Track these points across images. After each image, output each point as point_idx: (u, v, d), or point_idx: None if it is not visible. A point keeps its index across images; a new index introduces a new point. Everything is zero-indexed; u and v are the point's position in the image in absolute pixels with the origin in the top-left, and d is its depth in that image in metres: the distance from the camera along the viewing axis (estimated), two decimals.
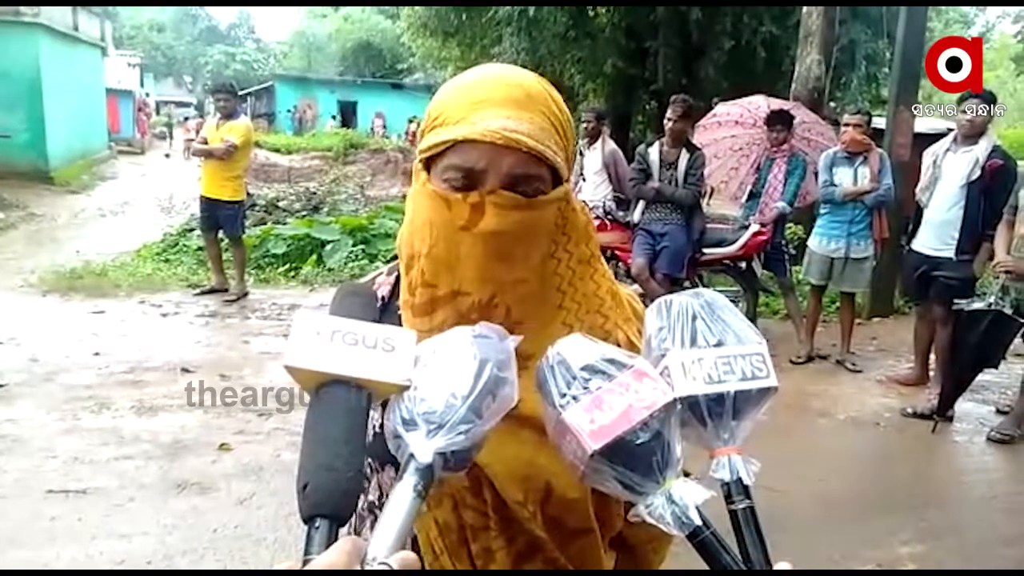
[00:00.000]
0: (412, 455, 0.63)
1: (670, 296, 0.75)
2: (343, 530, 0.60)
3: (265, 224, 8.80)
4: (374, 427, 0.85)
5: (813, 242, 5.43)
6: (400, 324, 0.86)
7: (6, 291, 6.59)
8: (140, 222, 10.84)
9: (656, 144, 5.46)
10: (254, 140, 7.33)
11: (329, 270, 7.67)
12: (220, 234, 6.67)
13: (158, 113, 36.35)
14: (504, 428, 0.80)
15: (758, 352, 0.71)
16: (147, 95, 35.51)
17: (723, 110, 6.85)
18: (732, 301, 0.77)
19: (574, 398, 0.66)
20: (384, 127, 26.81)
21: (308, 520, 0.60)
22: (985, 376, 4.53)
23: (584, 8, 12.74)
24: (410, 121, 27.26)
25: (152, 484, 3.30)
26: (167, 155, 23.91)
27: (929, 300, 4.76)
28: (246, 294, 6.66)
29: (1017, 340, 4.19)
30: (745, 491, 0.67)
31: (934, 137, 5.42)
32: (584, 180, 6.06)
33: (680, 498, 0.64)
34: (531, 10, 12.27)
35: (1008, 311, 3.91)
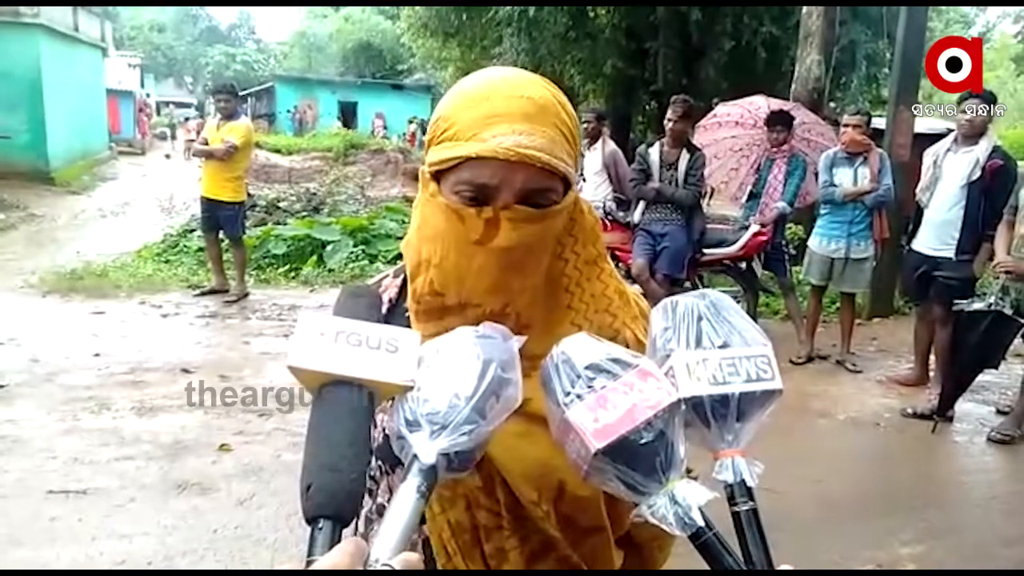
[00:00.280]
0: (415, 456, 0.63)
1: (676, 297, 0.75)
2: (347, 531, 0.61)
3: (265, 225, 8.79)
4: (383, 429, 0.85)
5: (813, 242, 5.43)
6: (409, 326, 0.86)
7: (6, 292, 6.59)
8: (140, 223, 10.83)
9: (656, 144, 5.46)
10: (254, 141, 7.33)
11: (329, 271, 7.68)
12: (220, 235, 6.67)
13: (158, 114, 36.37)
14: (517, 428, 0.80)
15: (763, 354, 0.71)
16: (147, 96, 35.51)
17: (723, 111, 6.86)
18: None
19: (578, 397, 0.66)
20: (384, 127, 26.81)
21: (311, 521, 0.60)
22: (985, 376, 4.53)
23: (584, 9, 12.75)
24: (410, 122, 27.27)
25: (152, 484, 3.30)
26: (167, 156, 23.91)
27: (929, 300, 4.76)
28: (246, 295, 6.65)
29: (1017, 340, 4.19)
30: (748, 493, 0.67)
31: (934, 137, 5.42)
32: (584, 180, 6.06)
33: (683, 499, 0.64)
34: (531, 10, 12.28)
35: (1008, 311, 3.90)
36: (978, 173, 4.44)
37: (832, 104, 10.86)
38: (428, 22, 15.16)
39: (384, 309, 0.94)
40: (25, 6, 13.54)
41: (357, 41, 37.82)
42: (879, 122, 6.65)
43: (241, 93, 8.91)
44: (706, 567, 0.65)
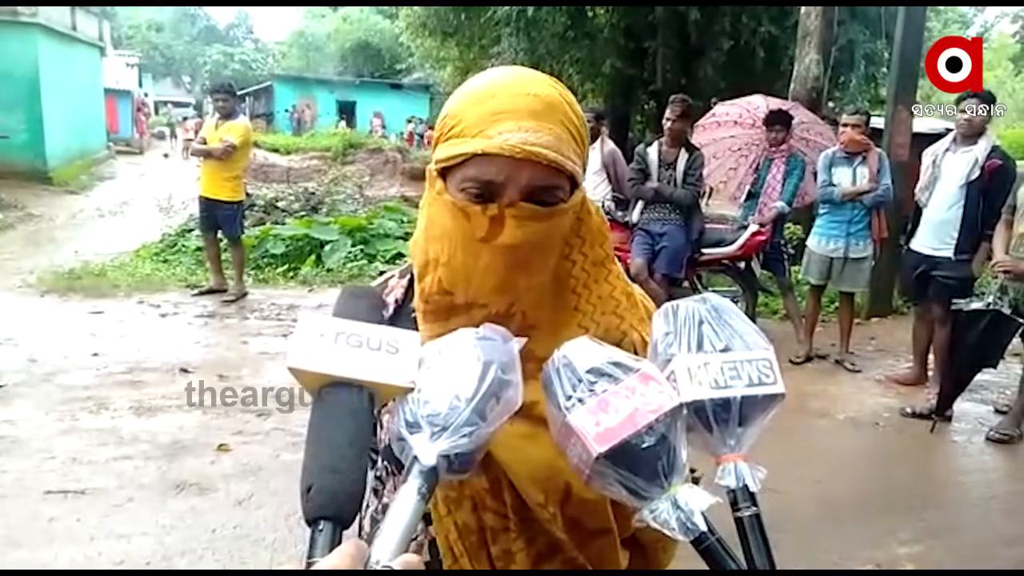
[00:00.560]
0: (416, 457, 0.63)
1: (677, 301, 0.75)
2: (352, 530, 0.60)
3: (264, 224, 8.78)
4: (389, 432, 0.85)
5: (812, 242, 5.43)
6: (415, 327, 0.86)
7: (4, 291, 6.58)
8: (139, 222, 10.83)
9: (655, 144, 5.46)
10: (253, 140, 7.33)
11: (328, 270, 7.67)
12: (219, 234, 6.66)
13: (156, 113, 36.33)
14: (523, 430, 0.80)
15: (765, 358, 0.70)
16: (145, 95, 35.50)
17: (722, 110, 6.86)
18: (731, 301, 0.77)
19: (579, 401, 0.66)
20: (383, 127, 26.82)
21: (312, 523, 0.60)
22: (984, 376, 4.53)
23: (583, 8, 12.74)
24: (408, 121, 27.27)
25: (151, 484, 3.30)
26: (166, 155, 23.90)
27: (928, 300, 4.77)
28: (245, 294, 6.65)
29: (1016, 340, 4.19)
30: (751, 498, 0.66)
31: (932, 137, 5.43)
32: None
33: (685, 504, 0.64)
34: (530, 10, 12.28)
35: (1006, 311, 3.91)
36: (977, 173, 4.44)
37: (831, 104, 10.87)
38: (426, 21, 15.16)
39: (391, 310, 0.94)
40: (23, 6, 13.52)
41: (355, 40, 37.79)
42: (878, 122, 6.65)
43: (239, 92, 8.89)
44: (706, 570, 0.65)
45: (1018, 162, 4.85)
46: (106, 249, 8.57)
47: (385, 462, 0.90)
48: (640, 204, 5.51)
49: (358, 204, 10.73)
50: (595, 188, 6.04)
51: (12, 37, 13.45)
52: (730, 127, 6.60)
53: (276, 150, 17.89)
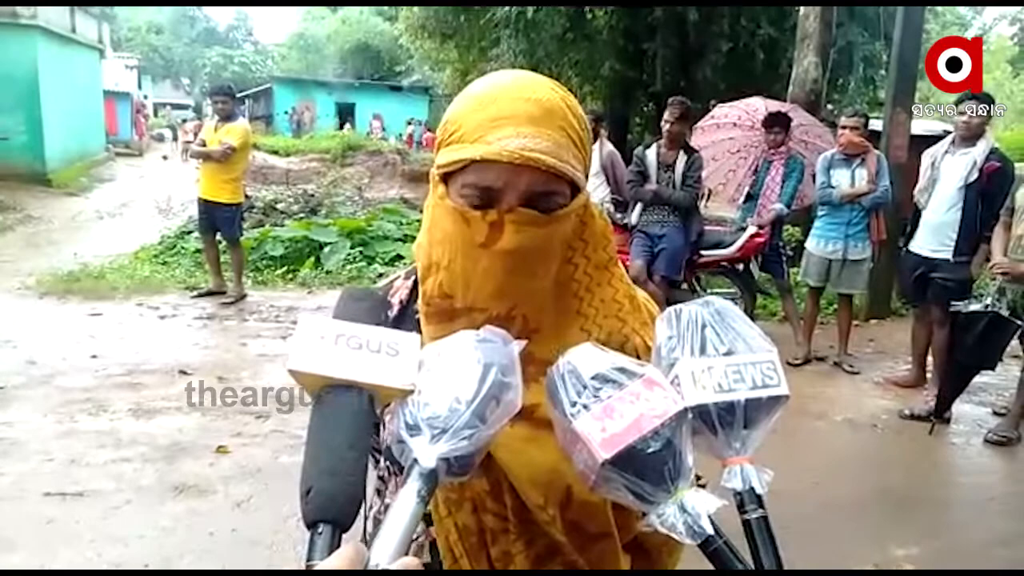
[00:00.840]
0: (416, 460, 0.63)
1: (680, 305, 0.75)
2: (356, 530, 0.61)
3: (263, 226, 8.78)
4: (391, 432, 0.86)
5: (811, 244, 5.43)
6: (419, 328, 0.87)
7: (3, 293, 6.58)
8: (138, 224, 10.82)
9: (654, 146, 5.46)
10: (252, 142, 7.33)
11: (327, 272, 7.67)
12: (218, 236, 6.66)
13: (156, 115, 36.32)
14: (525, 432, 0.80)
15: (769, 360, 0.71)
16: (145, 97, 35.50)
17: (721, 112, 6.86)
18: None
19: (585, 407, 0.66)
20: (382, 129, 26.82)
21: (311, 526, 0.60)
22: (982, 378, 4.53)
23: (582, 10, 12.75)
24: (408, 123, 27.28)
25: (149, 487, 3.29)
26: (165, 157, 23.89)
27: (927, 302, 4.77)
28: (244, 296, 6.65)
29: (1014, 342, 4.19)
30: (758, 500, 0.67)
31: (931, 139, 5.44)
32: None
33: (692, 507, 0.64)
34: (529, 12, 12.28)
35: (1005, 313, 3.91)
36: (975, 175, 4.44)
37: (829, 106, 10.88)
38: (426, 23, 15.16)
39: (395, 310, 0.94)
40: (22, 7, 13.52)
41: (355, 42, 37.80)
42: (876, 124, 6.66)
43: (239, 94, 8.89)
44: (708, 570, 0.65)
45: (1017, 164, 4.85)
46: (105, 251, 8.56)
47: (387, 462, 0.90)
48: (639, 206, 5.52)
49: (357, 206, 10.73)
50: (594, 190, 6.05)
51: (11, 39, 13.44)
52: (729, 129, 6.60)
53: (275, 152, 17.87)
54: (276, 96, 32.22)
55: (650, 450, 0.64)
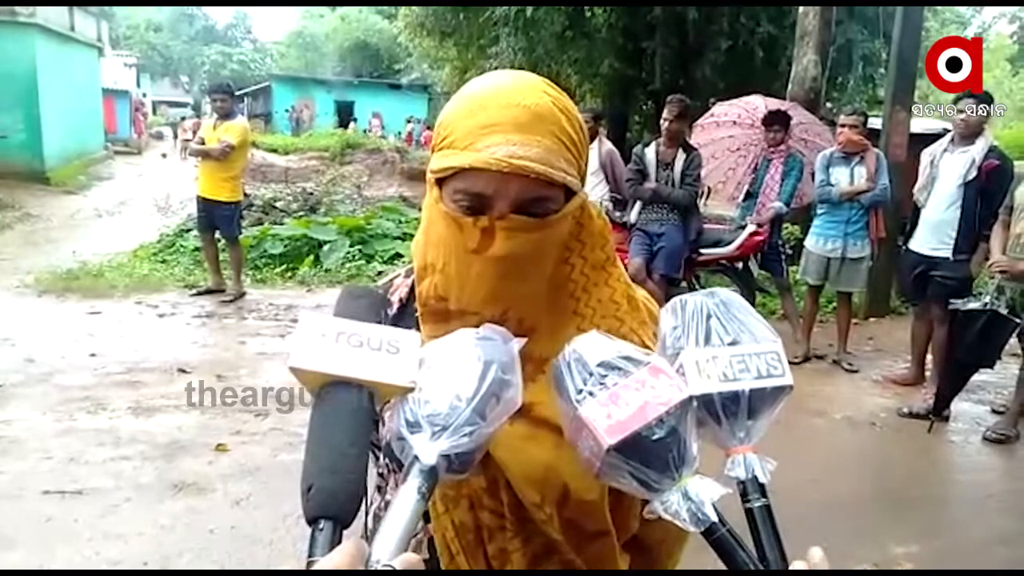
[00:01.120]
0: (416, 457, 0.63)
1: (685, 296, 0.75)
2: (356, 527, 0.61)
3: (262, 224, 8.78)
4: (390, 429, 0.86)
5: (810, 242, 5.44)
6: (419, 327, 0.87)
7: (2, 292, 6.57)
8: (137, 222, 10.81)
9: (653, 144, 5.46)
10: (251, 140, 7.33)
11: (326, 271, 7.66)
12: (217, 234, 6.66)
13: (154, 113, 36.28)
14: (522, 431, 0.80)
15: (773, 351, 0.71)
16: (144, 95, 35.45)
17: (720, 110, 6.87)
18: None
19: (590, 394, 0.67)
20: (382, 127, 26.82)
21: (312, 522, 0.60)
22: (981, 376, 4.53)
23: (581, 8, 12.75)
24: (407, 121, 27.28)
25: (148, 485, 3.29)
26: (164, 155, 23.88)
27: (926, 300, 4.77)
28: (243, 295, 6.64)
29: (1013, 340, 4.20)
30: (761, 489, 0.67)
31: (930, 137, 5.43)
32: None
33: (696, 495, 0.65)
34: (528, 10, 12.28)
35: (1004, 311, 3.91)
36: (974, 173, 4.45)
37: (828, 104, 10.89)
38: (425, 21, 15.15)
39: (395, 309, 0.94)
40: (21, 6, 13.50)
41: (354, 40, 37.79)
42: (875, 122, 6.67)
43: (237, 93, 8.89)
44: (709, 570, 0.65)
45: (1016, 162, 4.86)
46: (104, 249, 8.55)
47: (387, 459, 0.90)
48: (638, 204, 5.52)
49: (356, 204, 10.73)
50: (593, 188, 6.04)
51: (10, 37, 13.43)
52: (728, 127, 6.61)
53: (274, 150, 17.89)
54: (275, 94, 32.23)
55: (655, 437, 0.64)
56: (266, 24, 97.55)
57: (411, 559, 0.58)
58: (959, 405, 4.62)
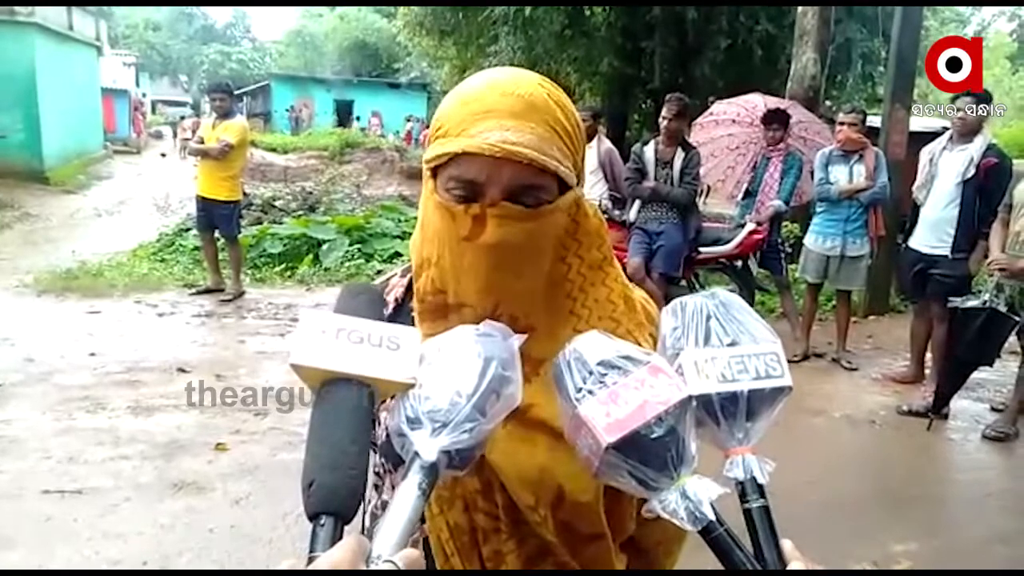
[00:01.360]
0: (416, 453, 0.63)
1: (686, 297, 0.75)
2: (354, 525, 0.61)
3: (261, 224, 8.78)
4: (386, 428, 0.86)
5: (809, 240, 5.44)
6: (414, 325, 0.87)
7: (1, 291, 6.57)
8: (136, 222, 10.80)
9: (652, 143, 5.46)
10: (250, 139, 7.33)
11: (325, 270, 7.66)
12: (216, 234, 6.66)
13: (154, 112, 36.26)
14: (517, 432, 0.80)
15: (772, 352, 0.71)
16: (143, 95, 35.42)
17: (720, 109, 6.86)
18: None
19: (590, 392, 0.67)
20: (381, 126, 26.82)
21: (313, 518, 0.60)
22: (980, 374, 4.53)
23: (580, 7, 12.76)
24: (407, 120, 27.27)
25: (148, 484, 3.29)
26: (163, 154, 23.87)
27: (926, 298, 4.77)
28: (242, 294, 6.64)
29: (1012, 338, 4.20)
30: (759, 490, 0.67)
31: (929, 136, 5.43)
32: None
33: (694, 494, 0.65)
34: (527, 9, 12.28)
35: (1003, 309, 3.91)
36: (972, 171, 4.45)
37: (828, 102, 10.90)
38: (424, 20, 15.16)
39: (391, 308, 0.94)
40: (20, 5, 13.49)
41: (353, 40, 37.78)
42: (874, 120, 6.67)
43: (237, 92, 8.89)
44: (707, 570, 0.65)
45: (1015, 160, 4.86)
46: (103, 249, 8.55)
47: (382, 459, 0.90)
48: (637, 203, 5.51)
49: (355, 203, 10.73)
50: (592, 187, 6.04)
51: (9, 36, 13.41)
52: (728, 126, 6.60)
53: (274, 149, 17.90)
54: (274, 93, 32.23)
55: (654, 436, 0.65)
56: (265, 23, 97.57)
57: (412, 555, 0.58)
58: (958, 403, 4.62)
